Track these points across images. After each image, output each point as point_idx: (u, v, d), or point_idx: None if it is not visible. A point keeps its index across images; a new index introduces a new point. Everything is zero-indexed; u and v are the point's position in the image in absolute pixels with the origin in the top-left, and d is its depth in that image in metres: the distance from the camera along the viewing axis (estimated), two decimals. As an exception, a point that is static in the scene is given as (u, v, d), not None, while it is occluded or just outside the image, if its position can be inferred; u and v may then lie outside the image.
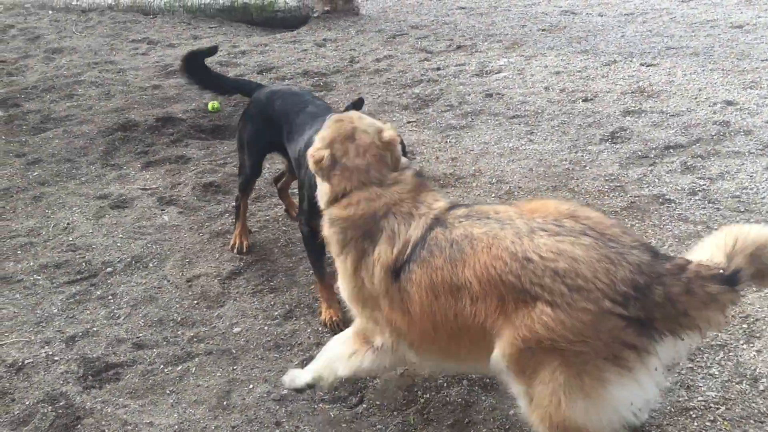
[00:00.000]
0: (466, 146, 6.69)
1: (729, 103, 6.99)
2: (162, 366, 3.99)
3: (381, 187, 3.09)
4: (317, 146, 3.22)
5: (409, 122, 7.43)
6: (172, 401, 3.73)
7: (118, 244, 5.33)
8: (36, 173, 6.65)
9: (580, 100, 7.58)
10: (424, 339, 2.99)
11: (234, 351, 4.09)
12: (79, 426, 3.58)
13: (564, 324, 2.54)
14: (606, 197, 5.47)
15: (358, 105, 4.33)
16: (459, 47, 10.05)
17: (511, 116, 7.33)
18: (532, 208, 2.88)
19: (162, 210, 5.86)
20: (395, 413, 3.60)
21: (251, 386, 3.80)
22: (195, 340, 4.20)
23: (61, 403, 3.71)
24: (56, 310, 4.55)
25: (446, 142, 6.85)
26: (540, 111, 7.38)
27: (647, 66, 8.41)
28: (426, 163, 6.38)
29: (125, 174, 6.62)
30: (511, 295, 2.65)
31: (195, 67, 5.24)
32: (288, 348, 4.08)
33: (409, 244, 2.95)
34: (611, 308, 2.53)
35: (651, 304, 2.54)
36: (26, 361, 4.05)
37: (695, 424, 3.32)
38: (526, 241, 2.69)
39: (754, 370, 3.59)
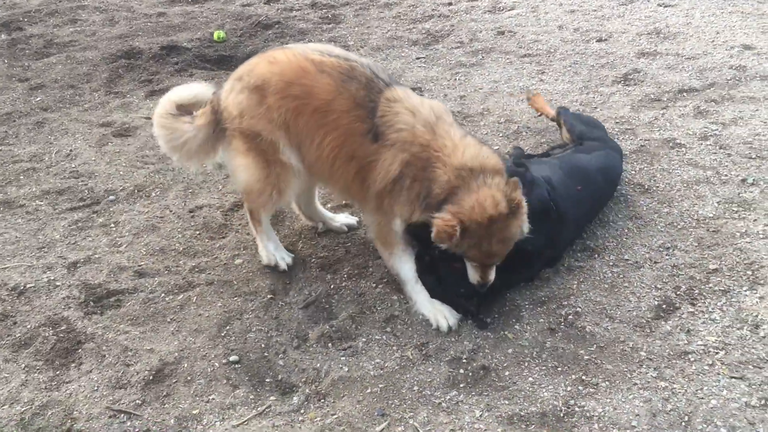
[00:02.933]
0: (476, 84, 6.56)
1: (747, 47, 6.81)
2: (163, 294, 4.00)
3: None
4: None
5: (418, 58, 7.28)
6: (172, 329, 3.75)
7: (121, 173, 5.29)
8: (39, 98, 6.57)
9: (594, 41, 7.39)
10: None
11: (235, 282, 4.08)
12: (79, 350, 3.61)
13: None
14: (616, 140, 5.37)
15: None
16: (472, -18, 9.77)
17: (523, 55, 7.16)
18: None
19: (165, 139, 5.78)
20: (395, 348, 3.61)
21: (251, 317, 3.81)
22: (196, 270, 4.19)
23: (62, 328, 3.73)
24: (58, 236, 4.54)
25: (455, 79, 6.72)
26: (552, 50, 7.21)
27: (665, 6, 8.17)
28: (433, 99, 6.26)
29: (129, 102, 6.53)
30: None
31: None
32: (288, 281, 4.08)
33: None
34: None
35: None
36: (28, 286, 4.06)
37: (693, 367, 3.32)
38: None
39: (756, 316, 3.58)
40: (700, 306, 3.70)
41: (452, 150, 3.49)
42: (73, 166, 5.42)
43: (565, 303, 3.78)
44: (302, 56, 3.66)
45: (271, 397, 3.36)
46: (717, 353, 3.39)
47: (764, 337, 3.45)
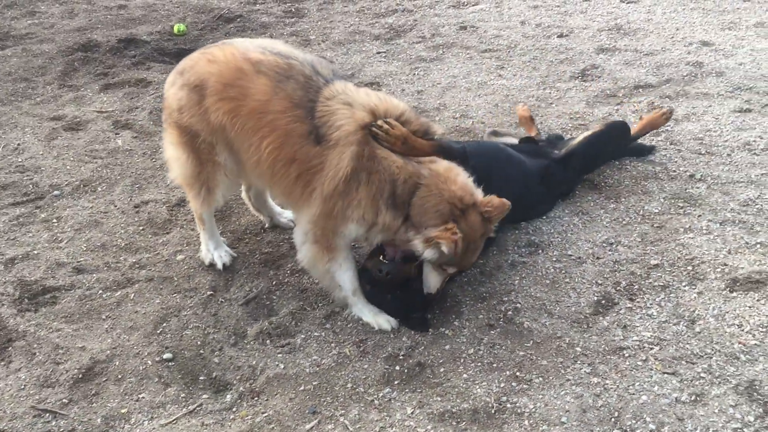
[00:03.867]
0: (434, 79, 6.54)
1: (705, 43, 6.84)
2: (101, 291, 3.93)
3: None
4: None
5: (378, 53, 7.24)
6: (107, 326, 3.69)
7: (68, 167, 5.20)
8: (-10, 92, 6.46)
9: (555, 36, 7.39)
10: None
11: (176, 279, 4.03)
12: (9, 348, 3.54)
13: None
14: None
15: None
16: (438, -23, 9.74)
17: (483, 50, 7.15)
18: None
19: (116, 134, 5.72)
20: (333, 345, 3.58)
21: (189, 313, 3.76)
22: (137, 266, 4.13)
23: (-7, 325, 3.66)
24: (-2, 232, 4.46)
25: (414, 74, 6.68)
26: (513, 46, 7.20)
27: (627, 3, 8.20)
28: (391, 95, 6.22)
29: (82, 96, 6.43)
30: None
31: None
32: (230, 277, 4.03)
33: None
34: None
35: None
36: (-38, 282, 3.98)
37: (627, 363, 3.32)
38: None
39: (693, 311, 3.58)
40: (638, 301, 3.69)
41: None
42: (20, 160, 5.32)
43: (506, 299, 3.77)
44: (241, 55, 3.50)
45: (204, 396, 3.31)
46: (651, 349, 3.39)
47: (699, 332, 3.45)
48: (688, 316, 3.56)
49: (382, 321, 3.63)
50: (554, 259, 4.04)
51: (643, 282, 3.81)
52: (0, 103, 6.30)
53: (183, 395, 3.30)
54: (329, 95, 3.40)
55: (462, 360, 3.41)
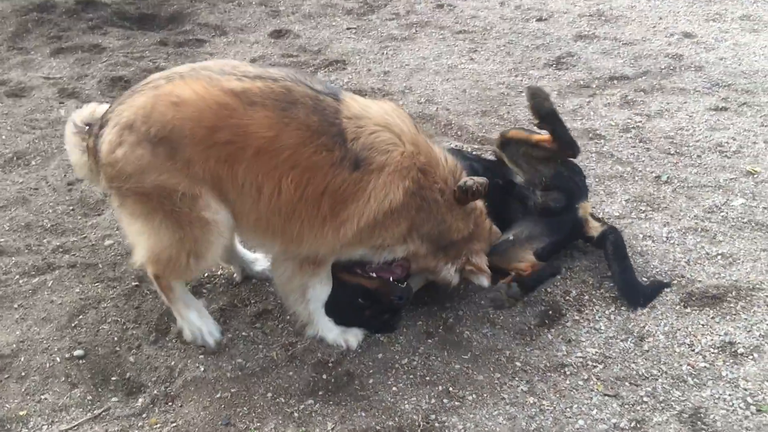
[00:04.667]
0: (403, 60, 6.25)
1: (687, 35, 6.58)
2: (17, 277, 3.67)
3: None
4: None
5: (348, 29, 6.93)
6: (17, 316, 3.44)
7: (3, 137, 4.91)
8: (-68, 51, 6.12)
9: (534, 20, 7.11)
10: None
11: (100, 266, 3.77)
12: None
13: None
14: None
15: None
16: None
17: (458, 31, 6.86)
18: None
19: (60, 103, 5.41)
20: (261, 347, 3.35)
21: (109, 305, 3.51)
22: (60, 250, 3.87)
23: None
24: None
25: (383, 53, 6.39)
26: (489, 28, 6.91)
27: (612, -12, 7.90)
28: (356, 75, 5.95)
29: (31, 60, 6.10)
30: None
31: None
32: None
33: None
34: None
35: None
36: None
37: (567, 381, 3.11)
38: None
39: (643, 327, 3.38)
40: (587, 313, 3.48)
41: (447, 181, 3.13)
42: (-46, 127, 5.02)
43: (448, 305, 3.55)
44: (217, 89, 2.79)
45: (113, 399, 3.08)
46: (595, 367, 3.18)
47: (647, 350, 3.25)
48: (638, 332, 3.36)
49: (350, 339, 3.33)
50: (504, 263, 3.81)
51: (594, 292, 3.60)
52: (-57, 64, 5.96)
53: (90, 398, 3.07)
54: (350, 114, 2.92)
55: (394, 371, 3.19)
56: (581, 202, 3.92)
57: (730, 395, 2.99)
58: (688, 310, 3.47)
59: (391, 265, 3.26)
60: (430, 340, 3.35)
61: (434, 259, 3.23)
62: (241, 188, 2.86)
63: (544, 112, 3.71)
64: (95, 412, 3.00)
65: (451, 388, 3.08)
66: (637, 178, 4.49)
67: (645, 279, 3.67)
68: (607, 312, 3.48)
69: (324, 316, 3.31)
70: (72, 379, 3.14)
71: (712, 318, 3.41)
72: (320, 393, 3.08)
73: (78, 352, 3.26)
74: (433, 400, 3.03)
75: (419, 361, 3.23)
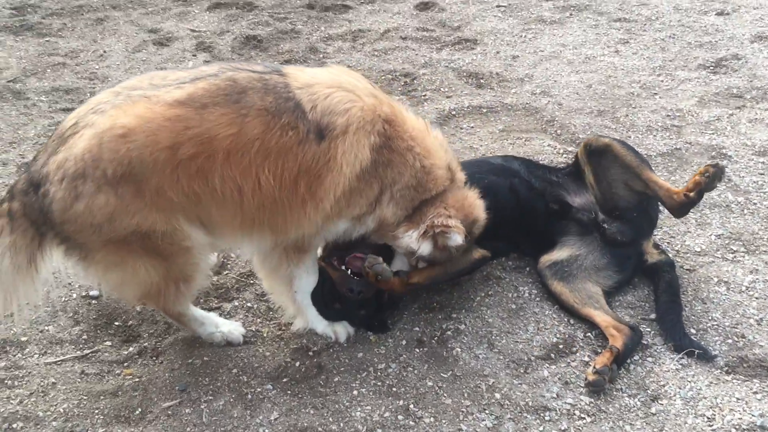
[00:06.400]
0: (538, 45, 5.83)
1: None
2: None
3: None
4: None
5: (498, 6, 6.59)
6: (60, 250, 3.72)
7: (128, 82, 5.30)
8: (111, -5, 6.75)
9: (714, 13, 6.28)
10: None
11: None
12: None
13: None
14: (650, 135, 4.55)
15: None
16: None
17: (616, 19, 6.25)
18: None
19: (193, 56, 5.73)
20: (258, 320, 3.35)
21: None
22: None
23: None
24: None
25: (521, 36, 6.00)
26: (654, 18, 6.22)
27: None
28: (481, 57, 5.65)
29: (188, 12, 6.52)
30: None
31: None
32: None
33: None
34: None
35: None
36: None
37: (540, 428, 2.76)
38: None
39: (663, 385, 2.89)
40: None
41: (422, 131, 2.95)
42: (97, 67, 5.52)
43: (454, 315, 3.29)
44: (161, 104, 2.58)
45: (106, 342, 3.24)
46: (581, 419, 2.79)
47: (654, 414, 2.79)
48: (653, 389, 2.89)
49: (339, 331, 3.22)
50: (532, 281, 3.46)
51: (622, 334, 3.15)
52: (117, 8, 6.56)
53: (86, 337, 3.26)
54: (300, 84, 2.75)
55: (364, 374, 3.03)
56: (646, 239, 3.47)
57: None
58: (729, 377, 2.93)
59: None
60: (417, 350, 3.13)
61: (397, 228, 2.98)
62: (222, 196, 2.68)
63: (707, 190, 3.26)
64: (85, 351, 3.18)
65: (412, 406, 2.87)
66: (745, 213, 3.84)
67: (693, 330, 3.15)
68: (631, 358, 3.03)
69: (312, 307, 3.20)
70: (78, 316, 3.36)
71: (755, 393, 2.85)
72: (284, 380, 3.02)
73: (94, 293, 3.47)
74: (387, 414, 2.84)
75: (395, 369, 3.04)
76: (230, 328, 3.23)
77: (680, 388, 2.89)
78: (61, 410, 2.87)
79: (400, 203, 2.93)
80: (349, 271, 3.10)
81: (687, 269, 3.49)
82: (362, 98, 2.78)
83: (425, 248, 2.98)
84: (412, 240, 2.95)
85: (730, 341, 3.09)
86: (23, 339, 3.24)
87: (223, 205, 2.73)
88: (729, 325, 3.17)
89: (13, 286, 2.71)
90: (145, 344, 3.23)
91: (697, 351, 3.01)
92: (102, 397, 2.94)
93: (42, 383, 3.00)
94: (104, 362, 3.14)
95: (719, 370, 2.96)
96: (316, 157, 2.70)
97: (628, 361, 3.02)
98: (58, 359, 3.14)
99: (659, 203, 3.44)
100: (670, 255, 3.50)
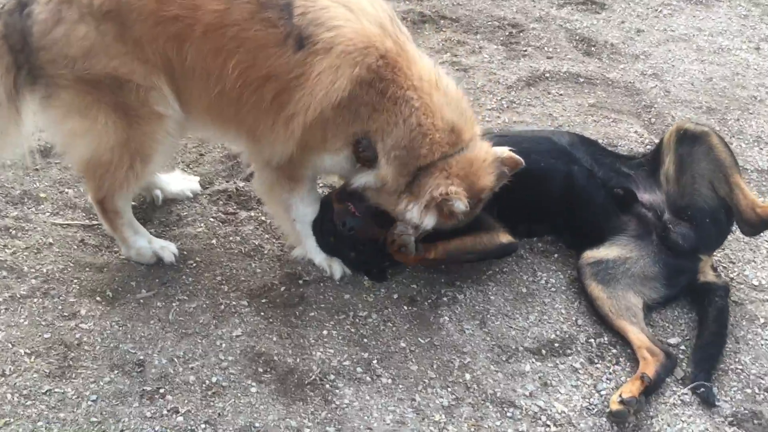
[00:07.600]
0: (671, 24, 5.26)
1: None
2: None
3: None
4: None
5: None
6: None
7: None
8: None
9: None
10: None
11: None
12: None
13: None
14: (755, 147, 4.03)
15: None
16: None
17: (773, 10, 5.55)
18: None
19: None
20: (264, 235, 3.29)
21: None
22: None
23: None
24: None
25: (656, 11, 5.43)
26: (816, 21, 5.47)
27: None
28: (602, 23, 5.18)
29: None
30: None
31: None
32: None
33: None
34: None
35: None
36: None
37: (495, 423, 2.55)
38: None
39: (651, 417, 2.60)
40: (598, 367, 2.78)
41: (429, 83, 2.64)
42: None
43: (458, 283, 3.09)
44: None
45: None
46: (546, 427, 2.56)
47: (627, 444, 2.51)
48: (638, 418, 2.60)
49: (335, 266, 3.07)
50: (555, 269, 3.17)
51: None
52: None
53: (99, 208, 3.30)
54: None
55: (341, 317, 2.91)
56: (708, 254, 3.09)
57: None
58: (730, 430, 2.58)
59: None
60: (405, 307, 2.97)
61: (398, 199, 2.74)
62: (192, 71, 2.59)
63: None
64: (93, 222, 3.22)
65: (375, 362, 2.73)
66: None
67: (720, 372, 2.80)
68: (628, 369, 2.74)
69: (311, 238, 3.07)
70: (103, 187, 3.39)
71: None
72: (262, 300, 2.94)
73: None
74: (347, 362, 2.72)
75: (374, 320, 2.90)
76: (163, 244, 3.06)
77: (668, 425, 2.58)
78: (45, 270, 2.94)
79: (395, 165, 2.67)
80: (351, 207, 2.94)
81: (734, 300, 3.09)
82: (362, 22, 2.54)
83: (429, 221, 2.73)
84: (414, 215, 2.71)
85: (748, 391, 2.73)
86: (42, 195, 3.32)
87: (191, 82, 2.64)
88: (755, 374, 2.79)
89: None
90: (152, 230, 3.22)
91: (701, 389, 2.66)
92: (87, 269, 2.98)
93: (40, 240, 3.08)
94: (106, 237, 3.16)
95: (722, 419, 2.62)
96: (289, 67, 2.54)
97: (623, 377, 2.72)
98: (64, 221, 3.20)
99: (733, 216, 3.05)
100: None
